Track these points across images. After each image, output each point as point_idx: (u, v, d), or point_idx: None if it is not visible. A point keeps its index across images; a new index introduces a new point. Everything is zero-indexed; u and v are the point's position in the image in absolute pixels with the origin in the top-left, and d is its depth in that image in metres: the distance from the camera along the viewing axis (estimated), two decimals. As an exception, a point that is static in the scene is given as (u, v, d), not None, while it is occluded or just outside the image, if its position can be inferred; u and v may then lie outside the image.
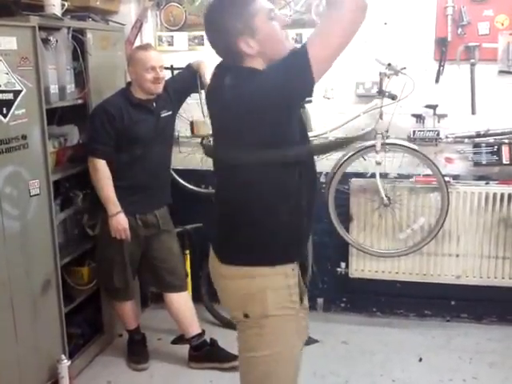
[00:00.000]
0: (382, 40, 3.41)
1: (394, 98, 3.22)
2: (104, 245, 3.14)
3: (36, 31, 2.65)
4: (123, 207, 3.01)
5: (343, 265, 3.76)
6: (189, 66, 3.24)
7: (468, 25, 3.30)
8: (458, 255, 3.55)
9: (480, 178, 3.49)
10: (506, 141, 3.36)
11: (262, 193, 1.73)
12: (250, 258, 1.77)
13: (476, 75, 3.33)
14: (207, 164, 3.02)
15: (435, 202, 3.45)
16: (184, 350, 3.30)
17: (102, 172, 2.98)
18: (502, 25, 3.29)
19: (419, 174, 3.48)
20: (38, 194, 2.75)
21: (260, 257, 1.76)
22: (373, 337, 3.55)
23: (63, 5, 2.89)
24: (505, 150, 3.36)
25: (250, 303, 1.78)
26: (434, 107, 3.37)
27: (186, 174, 3.68)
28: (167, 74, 3.20)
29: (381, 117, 3.28)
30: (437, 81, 3.40)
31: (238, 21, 1.67)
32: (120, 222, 3.00)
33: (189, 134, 3.45)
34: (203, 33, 3.58)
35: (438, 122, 3.40)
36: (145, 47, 3.08)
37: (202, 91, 3.24)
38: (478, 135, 3.40)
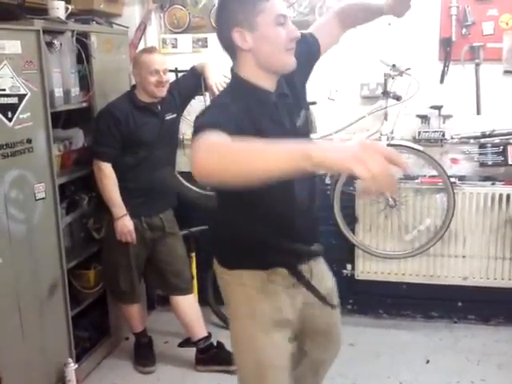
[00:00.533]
0: (386, 41, 3.40)
1: (398, 98, 3.21)
2: (110, 248, 3.14)
3: (40, 35, 2.67)
4: (128, 210, 3.02)
5: (349, 266, 3.75)
6: (193, 69, 3.24)
7: (472, 25, 3.29)
8: (464, 256, 3.54)
9: (486, 178, 3.47)
10: (512, 141, 3.35)
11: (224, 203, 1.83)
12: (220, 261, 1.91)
13: (481, 75, 3.32)
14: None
15: (441, 203, 3.44)
16: (191, 352, 3.30)
17: (108, 175, 2.99)
18: (507, 24, 3.27)
19: (425, 175, 3.46)
20: (43, 198, 2.76)
21: (224, 260, 1.90)
22: (379, 338, 3.54)
23: (67, 8, 2.91)
24: (510, 150, 3.33)
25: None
26: (438, 108, 3.36)
27: (190, 176, 3.66)
28: (171, 77, 3.20)
29: (386, 118, 3.26)
30: (441, 81, 3.38)
31: (241, 11, 1.65)
32: (125, 224, 3.01)
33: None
34: (207, 35, 3.66)
35: (443, 122, 3.38)
36: (149, 50, 3.08)
37: (207, 93, 3.24)
38: (484, 136, 3.38)
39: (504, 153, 3.35)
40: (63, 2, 2.88)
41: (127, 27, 3.58)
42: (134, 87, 3.11)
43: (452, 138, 3.42)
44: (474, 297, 3.62)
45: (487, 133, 3.38)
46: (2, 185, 2.51)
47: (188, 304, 3.25)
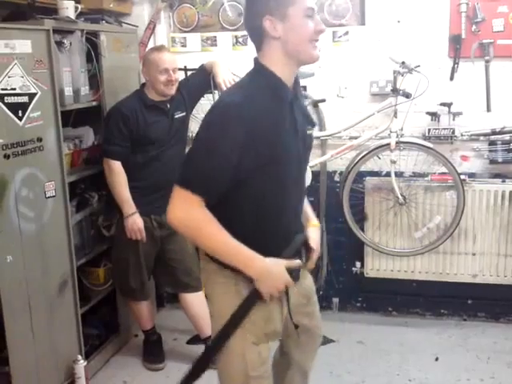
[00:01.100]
0: (396, 38, 3.40)
1: (408, 96, 3.20)
2: (119, 245, 3.16)
3: (50, 34, 2.68)
4: (138, 208, 3.03)
5: (358, 264, 3.75)
6: (202, 67, 3.25)
7: (482, 21, 3.28)
8: (474, 254, 3.53)
9: (496, 175, 3.47)
10: (522, 138, 3.34)
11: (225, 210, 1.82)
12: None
13: (491, 72, 3.30)
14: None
15: (451, 200, 3.43)
16: (200, 349, 3.28)
17: (117, 173, 3.00)
18: (517, 21, 3.26)
19: (434, 173, 3.45)
20: (53, 196, 2.78)
21: None
22: (389, 336, 3.54)
23: (77, 8, 2.92)
24: (521, 147, 3.34)
25: None
26: (448, 105, 3.34)
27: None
28: (181, 75, 3.21)
29: (395, 115, 3.25)
30: (451, 78, 3.36)
31: (273, 1, 1.69)
32: (135, 222, 3.02)
33: (202, 134, 3.46)
34: (216, 33, 3.67)
35: (453, 119, 3.37)
36: (159, 49, 3.09)
37: (216, 92, 3.25)
38: (494, 132, 3.37)
39: (514, 150, 3.35)
40: (73, 2, 2.89)
41: (136, 26, 3.60)
42: (143, 86, 3.12)
43: (462, 135, 3.41)
44: (484, 294, 3.61)
45: (497, 130, 3.36)
46: (13, 183, 2.52)
47: (197, 301, 3.25)
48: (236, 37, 3.63)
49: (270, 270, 1.74)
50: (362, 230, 3.57)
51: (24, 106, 2.55)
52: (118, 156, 3.00)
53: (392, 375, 3.11)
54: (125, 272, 3.16)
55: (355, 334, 3.56)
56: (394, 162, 3.29)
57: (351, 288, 3.82)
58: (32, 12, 2.74)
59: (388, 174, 3.37)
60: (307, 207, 2.05)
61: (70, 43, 2.88)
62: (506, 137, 3.35)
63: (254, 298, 1.77)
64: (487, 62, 3.29)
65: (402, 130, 3.27)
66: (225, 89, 3.08)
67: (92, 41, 3.06)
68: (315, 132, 3.55)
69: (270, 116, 1.70)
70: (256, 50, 1.80)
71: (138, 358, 3.35)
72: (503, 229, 3.46)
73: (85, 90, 3.02)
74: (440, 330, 3.60)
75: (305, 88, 3.53)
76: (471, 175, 3.46)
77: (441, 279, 3.60)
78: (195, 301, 3.25)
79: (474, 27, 3.29)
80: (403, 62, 3.17)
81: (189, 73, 3.38)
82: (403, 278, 3.65)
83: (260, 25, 1.71)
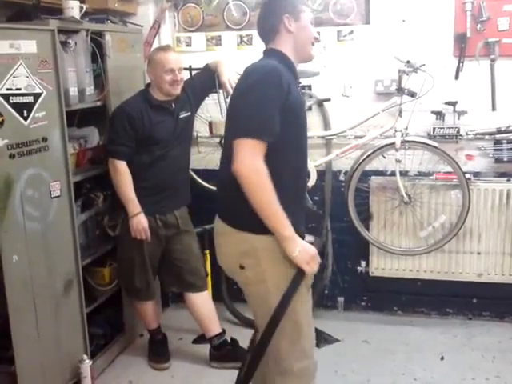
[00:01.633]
0: (401, 37, 3.39)
1: (413, 95, 3.20)
2: (124, 245, 3.16)
3: (55, 34, 2.68)
4: (143, 208, 3.03)
5: (364, 263, 3.74)
6: (207, 67, 3.24)
7: (487, 20, 3.27)
8: (479, 253, 3.52)
9: (501, 174, 3.46)
10: (528, 137, 3.33)
11: None
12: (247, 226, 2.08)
13: (496, 71, 3.30)
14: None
15: (456, 199, 3.42)
16: (205, 349, 3.31)
17: (123, 173, 3.00)
18: (523, 20, 3.25)
19: (439, 172, 3.45)
20: (58, 196, 2.78)
21: (252, 225, 2.03)
22: (394, 336, 3.53)
23: (81, 8, 2.93)
24: (526, 146, 3.33)
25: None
26: (453, 104, 3.34)
27: (205, 173, 3.69)
28: (185, 75, 3.21)
29: (400, 114, 3.25)
30: (456, 77, 3.36)
31: (290, 5, 2.13)
32: (140, 222, 3.02)
33: (207, 134, 3.46)
34: (221, 33, 3.67)
35: (458, 118, 3.36)
36: (164, 49, 3.09)
37: (220, 91, 3.25)
38: (499, 131, 3.36)
39: (519, 149, 3.34)
40: (78, 2, 2.89)
41: (141, 26, 3.59)
42: (148, 85, 3.12)
43: (467, 134, 3.40)
44: (489, 293, 3.60)
45: (502, 129, 3.36)
46: (18, 183, 2.53)
47: (202, 301, 3.26)
48: (241, 36, 3.63)
49: (308, 248, 2.00)
50: (367, 229, 3.56)
51: (29, 106, 2.56)
52: (123, 156, 3.00)
53: (397, 374, 3.11)
54: (130, 272, 3.16)
55: (360, 334, 3.56)
56: (399, 161, 3.29)
57: (356, 287, 3.81)
58: (37, 12, 2.74)
59: (393, 174, 3.36)
60: None
61: (75, 43, 2.88)
62: (512, 136, 3.35)
63: (300, 276, 2.01)
64: (492, 60, 3.29)
65: (406, 129, 3.26)
66: (229, 88, 3.09)
67: (97, 41, 3.06)
68: (320, 132, 3.57)
69: (293, 84, 2.04)
70: (267, 43, 2.17)
71: (143, 358, 3.35)
72: (508, 228, 3.45)
73: (90, 89, 3.02)
74: (445, 329, 3.59)
75: (310, 87, 3.53)
76: (476, 174, 3.45)
77: (446, 278, 3.60)
78: (200, 300, 3.25)
79: (479, 26, 3.28)
80: (408, 61, 3.17)
81: (194, 72, 3.39)
82: (408, 277, 3.64)
83: (279, 21, 2.11)
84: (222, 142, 3.35)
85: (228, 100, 3.28)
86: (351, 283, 3.81)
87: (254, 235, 2.02)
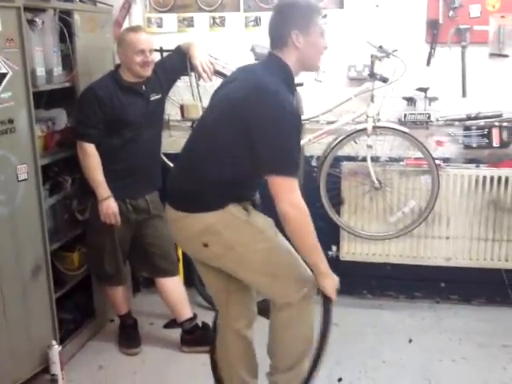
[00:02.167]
0: (374, 22, 3.38)
1: (385, 80, 3.20)
2: (94, 230, 3.12)
3: (21, 12, 2.59)
4: (113, 192, 2.99)
5: (334, 248, 3.77)
6: (178, 48, 3.20)
7: (459, 7, 3.28)
8: (448, 237, 3.58)
9: (470, 160, 3.51)
10: (497, 124, 3.37)
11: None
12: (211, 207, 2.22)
13: (467, 58, 3.33)
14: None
15: (425, 184, 3.46)
16: (176, 334, 3.30)
17: (91, 156, 2.95)
18: (494, 7, 3.27)
19: (410, 158, 3.48)
20: (26, 179, 2.72)
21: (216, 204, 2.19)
22: (363, 319, 3.58)
23: (49, -15, 2.84)
24: (495, 132, 3.37)
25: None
26: (425, 90, 3.36)
27: (176, 158, 3.64)
28: (156, 57, 3.15)
29: (372, 100, 3.25)
30: (428, 63, 3.37)
31: (303, 18, 2.15)
32: (110, 206, 2.98)
33: (179, 117, 3.42)
34: (193, 14, 3.61)
35: (429, 104, 3.38)
36: (135, 29, 3.03)
37: (192, 74, 3.21)
38: (469, 118, 3.40)
39: (489, 135, 3.38)
40: (45, -21, 2.81)
41: (111, 6, 3.51)
42: (118, 67, 3.06)
43: (437, 120, 3.43)
44: (457, 277, 3.66)
45: (472, 115, 3.40)
46: (-16, 166, 2.47)
47: (173, 285, 3.24)
48: (213, 18, 3.57)
49: (336, 280, 2.26)
50: (338, 214, 3.58)
51: (-6, 87, 2.49)
52: (91, 138, 2.94)
53: (366, 357, 3.15)
54: (100, 257, 3.12)
55: (331, 317, 3.59)
56: (370, 147, 3.30)
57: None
58: (2, -11, 2.66)
59: (364, 159, 3.38)
60: None
61: (43, 22, 2.79)
62: (481, 122, 3.38)
63: (329, 303, 2.28)
64: (464, 47, 3.31)
65: (378, 114, 3.27)
66: (201, 71, 3.06)
67: (65, 20, 2.98)
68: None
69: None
70: (273, 48, 2.20)
71: (113, 343, 3.32)
72: (476, 213, 3.51)
73: (58, 70, 2.95)
74: (413, 312, 3.65)
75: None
76: (446, 160, 3.49)
77: (415, 262, 3.65)
78: (172, 285, 3.24)
79: (451, 12, 3.30)
80: (381, 47, 3.17)
81: (165, 54, 3.33)
82: (378, 261, 3.69)
83: (288, 35, 2.14)
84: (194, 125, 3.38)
85: (200, 83, 3.27)
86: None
87: (206, 213, 2.14)
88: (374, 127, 3.25)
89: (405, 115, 3.41)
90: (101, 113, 2.92)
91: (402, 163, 3.49)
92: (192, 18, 3.60)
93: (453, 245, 3.58)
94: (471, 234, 3.54)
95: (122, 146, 3.01)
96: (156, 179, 3.21)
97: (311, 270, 2.22)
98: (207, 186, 2.15)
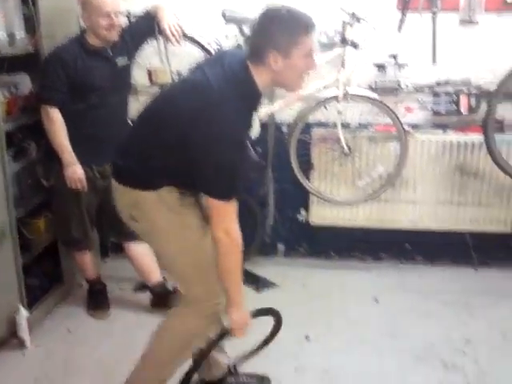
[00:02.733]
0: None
1: (356, 46, 3.16)
2: (60, 196, 3.08)
3: (-20, -27, 2.48)
4: (79, 157, 2.95)
5: (304, 212, 3.81)
6: (146, 12, 3.11)
7: (431, -27, 3.24)
8: (414, 202, 3.64)
9: (439, 126, 3.53)
10: (465, 90, 3.38)
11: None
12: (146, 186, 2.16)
13: (437, 24, 3.30)
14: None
15: (394, 150, 3.48)
16: (146, 298, 3.33)
17: (56, 121, 2.90)
18: (465, -27, 3.24)
19: (379, 124, 3.48)
20: (-12, 146, 2.65)
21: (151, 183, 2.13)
22: (331, 280, 3.64)
23: None
24: (463, 99, 3.39)
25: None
26: (395, 56, 3.34)
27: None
28: (123, 21, 3.06)
29: (343, 66, 3.22)
30: (399, 30, 3.33)
31: (285, 38, 1.88)
32: (75, 172, 2.95)
33: (147, 82, 3.34)
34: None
35: (399, 71, 3.38)
36: (99, -9, 2.92)
37: (160, 37, 3.12)
38: (438, 84, 3.41)
39: (457, 102, 3.40)
40: None
41: (75, -36, 3.36)
42: (83, 31, 2.97)
43: (407, 86, 3.42)
44: (422, 240, 3.75)
45: (441, 82, 3.40)
46: None
47: (142, 250, 3.23)
48: (182, -20, 3.45)
49: (247, 319, 2.20)
50: (308, 179, 3.60)
51: (-48, 52, 2.39)
52: (56, 102, 2.88)
53: (333, 316, 3.22)
54: (66, 222, 3.10)
55: (299, 279, 3.65)
56: (340, 113, 3.29)
57: (296, 235, 3.89)
58: None
59: (334, 125, 3.37)
60: None
61: (3, -17, 2.69)
62: (450, 89, 3.39)
63: (224, 335, 2.22)
64: (434, 13, 3.28)
65: (349, 81, 3.24)
66: (170, 35, 2.99)
67: (27, -19, 2.86)
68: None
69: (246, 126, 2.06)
70: (249, 58, 1.96)
71: (82, 308, 3.33)
72: (443, 178, 3.56)
73: (20, 34, 2.85)
74: (379, 273, 3.74)
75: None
76: (414, 126, 3.51)
77: (382, 226, 3.71)
78: (139, 249, 3.23)
79: (422, -21, 3.25)
80: (353, 12, 3.12)
81: (132, 18, 3.22)
82: (346, 225, 3.74)
83: (265, 54, 1.90)
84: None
85: (168, 47, 3.19)
86: (292, 231, 3.88)
87: (140, 191, 2.09)
88: (344, 94, 3.23)
89: (375, 82, 3.39)
90: (65, 76, 2.86)
91: (371, 129, 3.50)
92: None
93: (419, 209, 3.64)
94: (437, 198, 3.61)
95: (88, 110, 2.95)
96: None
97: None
98: (148, 170, 2.08)
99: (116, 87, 3.01)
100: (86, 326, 3.20)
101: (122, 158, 2.18)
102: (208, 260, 2.09)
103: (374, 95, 3.30)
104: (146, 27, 3.09)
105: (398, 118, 3.32)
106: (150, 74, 3.20)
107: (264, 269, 3.69)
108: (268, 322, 2.61)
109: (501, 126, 3.41)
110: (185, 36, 3.10)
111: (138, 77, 3.43)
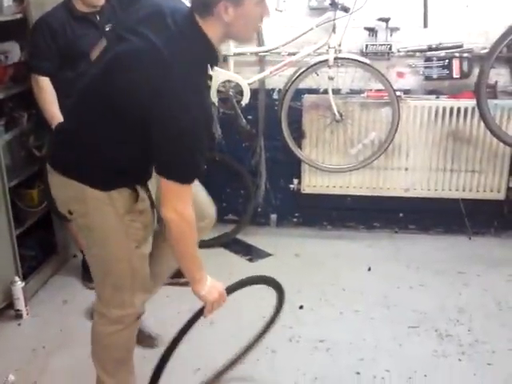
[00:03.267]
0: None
1: (346, 10, 3.15)
2: (52, 166, 3.06)
3: None
4: (71, 127, 2.92)
5: (296, 181, 3.80)
6: (134, -24, 3.07)
7: None
8: (407, 169, 3.63)
9: (431, 92, 3.52)
10: (457, 55, 3.36)
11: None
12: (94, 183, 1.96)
13: (429, -13, 3.28)
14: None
15: (386, 116, 3.47)
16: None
17: (46, 89, 2.87)
18: None
19: (371, 89, 3.47)
20: (-21, 116, 2.64)
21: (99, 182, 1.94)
22: (324, 249, 3.65)
23: None
24: (455, 63, 3.37)
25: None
26: (386, 20, 3.31)
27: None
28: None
29: (334, 30, 3.20)
30: (390, -8, 3.33)
31: None
32: (67, 140, 2.92)
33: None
34: None
35: (391, 35, 3.35)
36: (86, -45, 2.89)
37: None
38: (430, 49, 3.39)
39: (449, 66, 3.38)
40: None
41: None
42: (70, -3, 2.93)
43: (399, 51, 3.41)
44: (415, 208, 3.75)
45: (433, 46, 3.38)
46: None
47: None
48: None
49: (217, 286, 2.02)
50: (300, 147, 3.59)
51: None
52: (45, 71, 2.86)
53: (327, 285, 3.23)
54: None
55: (292, 248, 3.65)
56: (331, 79, 3.28)
57: (288, 204, 3.89)
58: None
59: (326, 91, 3.36)
60: None
61: None
62: (442, 53, 3.37)
63: (199, 315, 2.07)
64: (426, -24, 3.26)
65: (340, 45, 3.23)
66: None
67: None
68: (253, 48, 3.48)
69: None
70: (194, 10, 1.76)
71: (77, 278, 3.34)
72: (436, 144, 3.55)
73: (8, 1, 2.83)
74: (373, 242, 3.74)
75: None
76: (406, 92, 3.50)
77: (374, 194, 3.71)
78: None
79: None
80: (345, -24, 3.09)
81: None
82: (338, 193, 3.74)
83: (213, 2, 1.71)
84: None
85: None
86: (284, 200, 3.88)
87: (87, 187, 1.88)
88: (335, 58, 3.21)
89: (366, 46, 3.37)
90: (53, 44, 2.83)
91: (362, 95, 3.48)
92: None
93: (412, 176, 3.64)
94: (430, 164, 3.60)
95: (78, 78, 2.90)
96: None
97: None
98: (99, 162, 1.88)
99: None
100: (81, 296, 3.20)
101: (66, 147, 1.95)
102: (133, 274, 2.01)
103: (366, 60, 3.29)
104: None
105: (389, 83, 3.31)
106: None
107: (256, 238, 3.71)
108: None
109: (493, 91, 3.40)
110: None
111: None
